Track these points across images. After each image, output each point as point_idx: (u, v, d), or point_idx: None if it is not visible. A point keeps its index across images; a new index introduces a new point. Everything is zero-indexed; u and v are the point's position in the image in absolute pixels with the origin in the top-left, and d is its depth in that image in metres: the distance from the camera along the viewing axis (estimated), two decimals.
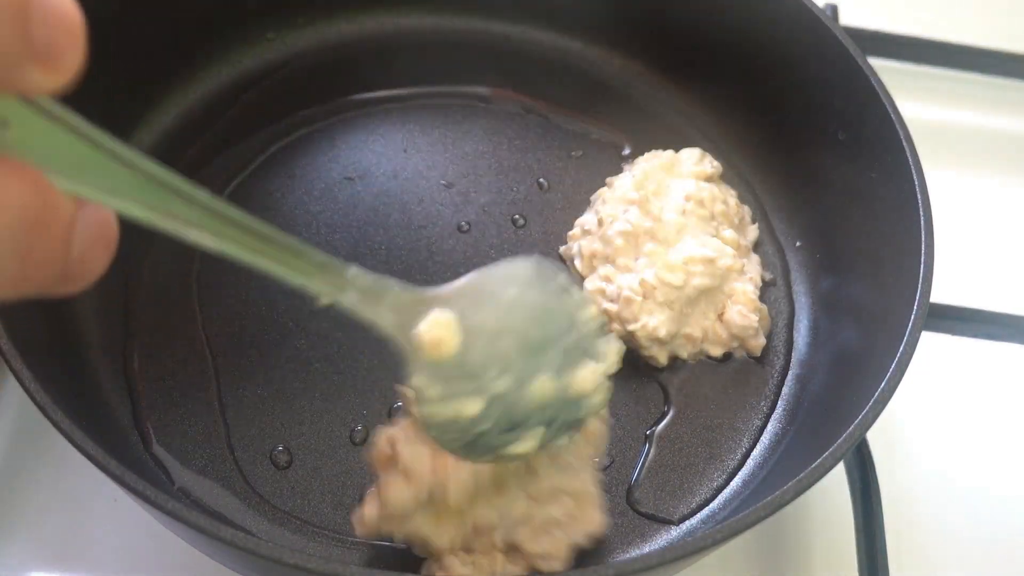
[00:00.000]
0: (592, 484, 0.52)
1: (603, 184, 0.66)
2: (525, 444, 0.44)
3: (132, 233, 0.32)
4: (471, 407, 0.42)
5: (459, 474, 0.48)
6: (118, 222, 0.30)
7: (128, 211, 0.30)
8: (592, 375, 0.44)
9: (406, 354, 0.41)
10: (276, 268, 0.36)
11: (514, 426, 0.44)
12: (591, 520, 0.51)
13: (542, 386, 0.43)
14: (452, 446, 0.44)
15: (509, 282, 0.43)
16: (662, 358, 0.60)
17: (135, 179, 0.30)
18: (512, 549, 0.49)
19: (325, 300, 0.38)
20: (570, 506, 0.50)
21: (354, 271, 0.39)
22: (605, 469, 0.55)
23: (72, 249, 0.28)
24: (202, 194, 0.32)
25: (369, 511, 0.50)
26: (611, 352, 0.45)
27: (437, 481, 0.48)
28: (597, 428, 0.53)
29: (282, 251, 0.36)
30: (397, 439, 0.51)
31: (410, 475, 0.49)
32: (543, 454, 0.48)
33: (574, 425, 0.46)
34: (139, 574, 0.57)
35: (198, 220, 0.32)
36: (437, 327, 0.40)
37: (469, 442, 0.43)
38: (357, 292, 0.39)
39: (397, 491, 0.49)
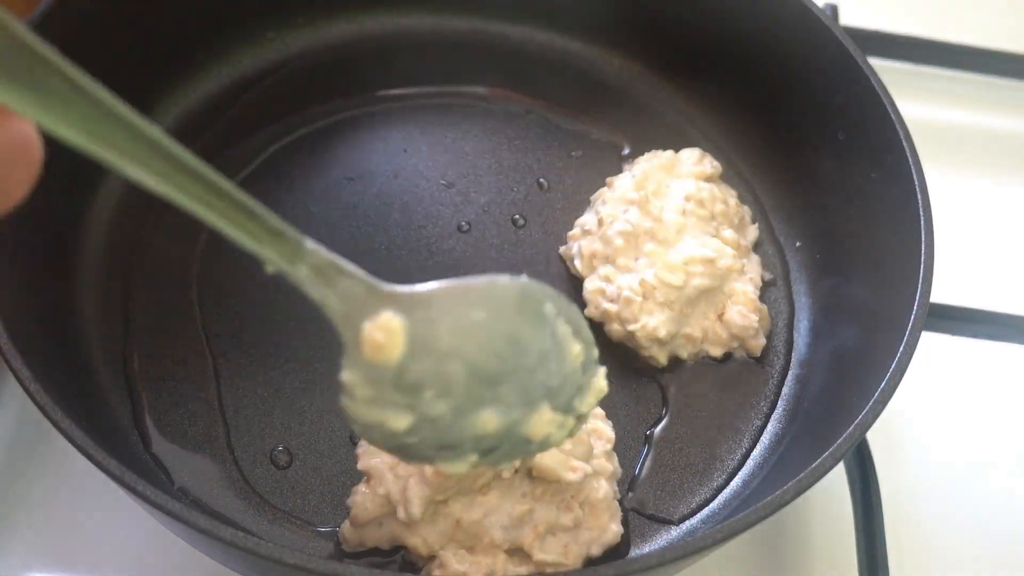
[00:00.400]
0: (607, 492, 0.51)
1: (603, 184, 0.66)
2: (455, 466, 0.41)
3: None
4: (397, 422, 0.38)
5: (419, 487, 0.48)
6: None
7: (62, 133, 0.27)
8: (546, 424, 0.40)
9: (346, 345, 0.38)
10: (225, 225, 0.33)
11: (444, 448, 0.40)
12: (605, 530, 0.51)
13: (484, 420, 0.39)
14: (378, 445, 0.41)
15: (481, 303, 0.38)
16: (662, 358, 0.60)
17: (76, 100, 0.27)
18: (518, 552, 0.49)
19: (270, 268, 0.35)
20: (580, 513, 0.50)
21: (312, 245, 0.35)
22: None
23: None
24: (153, 129, 0.29)
25: (346, 523, 0.51)
26: (591, 392, 0.42)
27: (399, 488, 0.48)
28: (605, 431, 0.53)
29: (235, 208, 0.33)
30: (363, 444, 0.52)
31: (372, 480, 0.50)
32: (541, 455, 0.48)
33: (522, 455, 0.43)
34: (139, 574, 0.57)
35: (143, 156, 0.29)
36: (383, 330, 0.37)
37: (395, 447, 0.40)
38: (310, 268, 0.35)
39: (361, 498, 0.50)
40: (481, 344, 0.38)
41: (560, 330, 0.40)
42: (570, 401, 0.42)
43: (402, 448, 0.40)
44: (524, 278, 0.40)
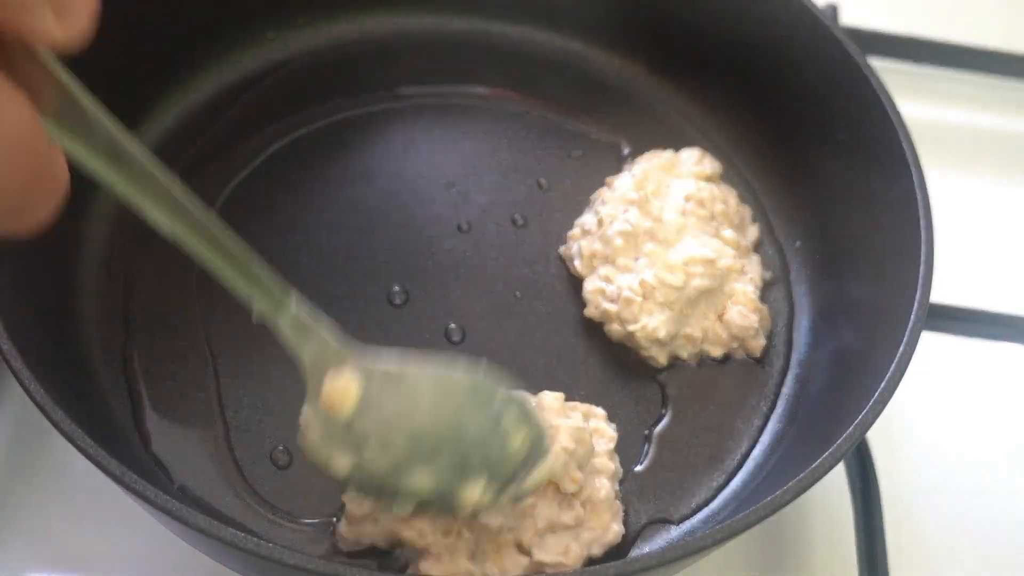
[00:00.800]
0: (609, 492, 0.51)
1: (603, 184, 0.66)
2: (399, 507, 0.45)
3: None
4: (340, 463, 0.43)
5: None
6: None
7: (95, 171, 0.33)
8: (478, 494, 0.44)
9: (308, 390, 0.43)
10: (225, 275, 0.38)
11: (383, 494, 0.45)
12: (606, 529, 0.51)
13: (419, 480, 0.43)
14: (329, 476, 0.44)
15: (432, 386, 0.44)
16: (662, 358, 0.60)
17: (112, 147, 0.33)
18: (516, 547, 0.49)
19: (257, 319, 0.40)
20: (581, 512, 0.50)
21: (295, 305, 0.41)
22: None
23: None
24: (178, 186, 0.35)
25: (343, 522, 0.51)
26: (531, 479, 0.45)
27: None
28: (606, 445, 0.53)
29: (235, 261, 0.38)
30: None
31: None
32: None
33: (456, 514, 0.46)
34: (139, 574, 0.57)
35: (162, 203, 0.35)
36: (339, 391, 0.42)
37: (340, 481, 0.45)
38: (290, 322, 0.42)
39: (352, 492, 0.50)
40: (424, 420, 0.43)
41: (506, 421, 0.45)
42: (508, 481, 0.45)
43: (346, 483, 0.46)
44: (482, 371, 0.45)
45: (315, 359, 0.43)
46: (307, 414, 0.43)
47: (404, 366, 0.44)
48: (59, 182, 0.30)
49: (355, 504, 0.50)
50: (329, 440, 0.43)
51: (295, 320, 0.42)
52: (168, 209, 0.35)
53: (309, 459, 0.44)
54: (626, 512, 0.54)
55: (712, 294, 0.60)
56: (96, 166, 0.32)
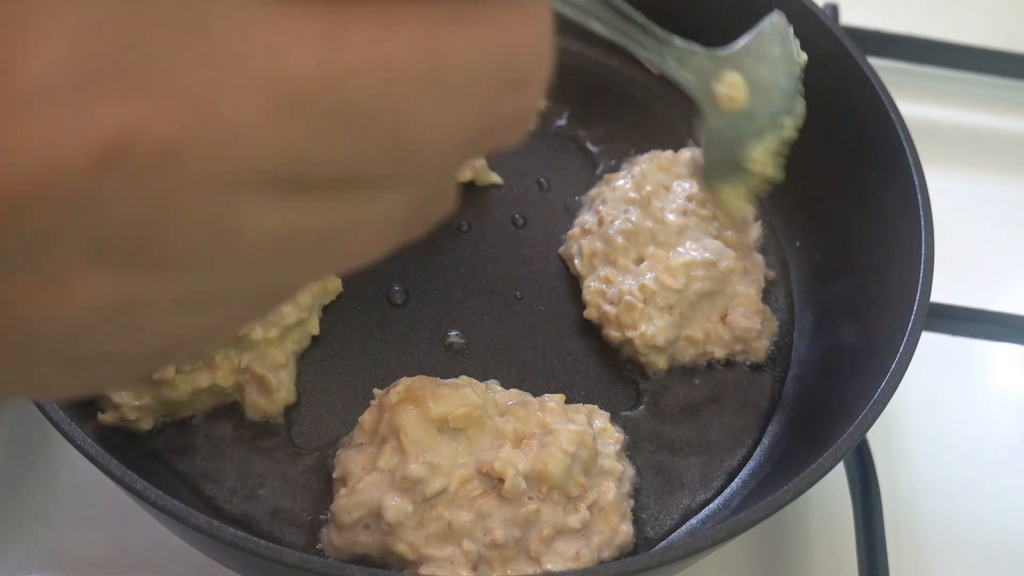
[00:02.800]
0: (616, 494, 0.51)
1: (603, 184, 0.66)
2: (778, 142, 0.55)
3: None
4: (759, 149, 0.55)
5: (395, 496, 0.48)
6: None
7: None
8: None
9: (704, 108, 0.53)
10: (631, 41, 0.51)
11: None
12: (616, 532, 0.50)
13: (788, 123, 0.55)
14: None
15: (774, 42, 0.54)
16: (661, 362, 0.59)
17: None
18: (522, 557, 0.49)
19: (659, 68, 0.52)
20: (587, 515, 0.49)
21: (676, 41, 0.53)
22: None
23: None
24: None
25: (331, 528, 0.50)
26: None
27: (377, 495, 0.48)
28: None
29: (638, 28, 0.51)
30: (340, 449, 0.53)
31: (350, 482, 0.49)
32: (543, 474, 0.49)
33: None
34: (139, 574, 0.57)
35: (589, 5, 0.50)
36: (732, 86, 0.52)
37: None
38: (673, 59, 0.52)
39: (340, 499, 0.49)
40: (785, 72, 0.54)
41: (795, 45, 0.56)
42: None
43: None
44: (774, 17, 0.54)
45: (699, 79, 0.52)
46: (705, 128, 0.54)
47: (748, 43, 0.54)
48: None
49: (344, 512, 0.49)
50: (731, 132, 0.53)
51: (676, 55, 0.52)
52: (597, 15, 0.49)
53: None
54: (634, 512, 0.54)
55: (714, 296, 0.60)
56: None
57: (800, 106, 0.55)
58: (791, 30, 0.55)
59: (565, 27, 0.78)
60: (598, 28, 0.50)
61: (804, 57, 0.55)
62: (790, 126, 0.55)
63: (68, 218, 0.18)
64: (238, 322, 0.23)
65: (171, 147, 0.18)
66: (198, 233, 0.19)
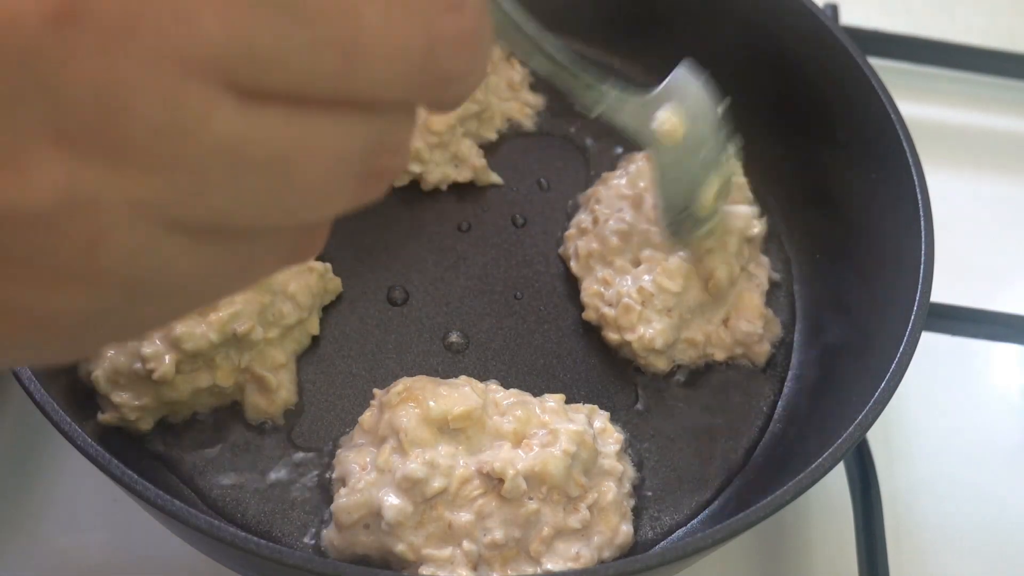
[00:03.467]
0: (616, 494, 0.51)
1: (600, 183, 0.66)
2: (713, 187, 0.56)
3: None
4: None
5: (395, 496, 0.48)
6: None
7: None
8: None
9: (649, 147, 0.55)
10: (565, 82, 0.53)
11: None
12: (616, 532, 0.50)
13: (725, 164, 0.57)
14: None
15: (688, 79, 0.55)
16: (661, 364, 0.59)
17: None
18: (529, 557, 0.48)
19: (595, 113, 0.55)
20: (587, 515, 0.49)
21: (607, 86, 0.54)
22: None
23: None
24: (543, 33, 0.52)
25: (331, 528, 0.50)
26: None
27: (376, 493, 0.48)
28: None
29: (570, 72, 0.53)
30: (340, 449, 0.53)
31: (349, 483, 0.49)
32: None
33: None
34: (139, 574, 0.57)
35: (528, 48, 0.51)
36: (667, 122, 0.54)
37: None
38: (606, 107, 0.54)
39: (339, 499, 0.49)
40: (709, 102, 0.55)
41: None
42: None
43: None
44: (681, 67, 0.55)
45: (635, 122, 0.54)
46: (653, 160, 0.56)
47: (671, 81, 0.55)
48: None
49: (344, 512, 0.49)
50: (688, 162, 0.55)
51: (611, 100, 0.54)
52: (528, 52, 0.51)
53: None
54: (634, 512, 0.54)
55: (716, 300, 0.60)
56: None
57: (735, 145, 0.58)
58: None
59: (566, 27, 0.78)
60: (540, 67, 0.53)
61: (722, 105, 0.56)
62: (731, 164, 0.58)
63: (25, 81, 0.18)
64: (197, 268, 0.23)
65: (125, 10, 0.18)
66: (154, 117, 0.19)
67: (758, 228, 0.65)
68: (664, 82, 0.55)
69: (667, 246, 0.60)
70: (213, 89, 0.20)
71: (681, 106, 0.54)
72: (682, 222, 0.57)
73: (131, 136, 0.20)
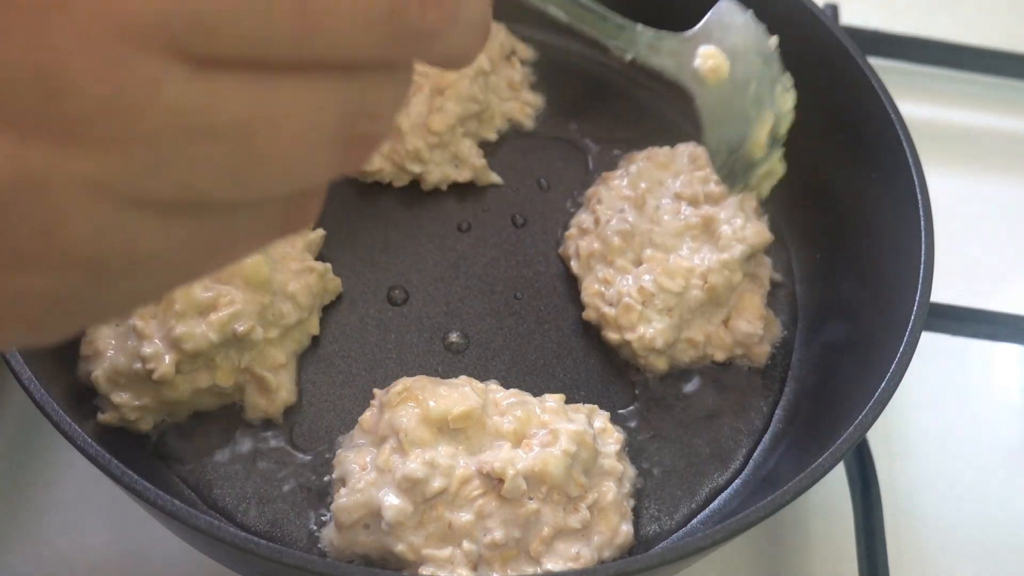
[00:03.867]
0: (616, 494, 0.51)
1: (600, 182, 0.66)
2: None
3: None
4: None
5: (395, 496, 0.48)
6: None
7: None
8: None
9: (691, 89, 0.50)
10: (593, 30, 0.46)
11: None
12: (616, 532, 0.50)
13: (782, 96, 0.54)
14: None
15: (733, 12, 0.51)
16: (661, 364, 0.59)
17: None
18: (529, 558, 0.48)
19: (629, 56, 0.48)
20: (587, 515, 0.49)
21: (640, 28, 0.49)
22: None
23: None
24: None
25: (331, 528, 0.50)
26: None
27: (376, 492, 0.48)
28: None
29: (597, 14, 0.47)
30: (340, 449, 0.53)
31: (349, 483, 0.49)
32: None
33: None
34: (139, 574, 0.57)
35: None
36: (712, 57, 0.50)
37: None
38: (644, 47, 0.49)
39: (339, 499, 0.49)
40: (755, 37, 0.51)
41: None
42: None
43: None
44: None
45: (676, 62, 0.50)
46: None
47: (711, 17, 0.51)
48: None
49: (344, 512, 0.49)
50: (726, 110, 0.52)
51: (647, 40, 0.49)
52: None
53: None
54: (634, 512, 0.54)
55: (717, 302, 0.60)
56: None
57: (788, 79, 0.54)
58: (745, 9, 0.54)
59: (566, 27, 0.78)
60: (559, 16, 0.48)
61: (774, 38, 0.53)
62: (784, 100, 0.54)
63: None
64: (171, 244, 0.22)
65: None
66: (97, 91, 0.19)
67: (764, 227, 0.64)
68: (706, 17, 0.51)
69: (668, 246, 0.60)
70: (159, 58, 0.19)
71: (725, 42, 0.51)
72: (734, 164, 0.54)
73: (75, 113, 0.19)
